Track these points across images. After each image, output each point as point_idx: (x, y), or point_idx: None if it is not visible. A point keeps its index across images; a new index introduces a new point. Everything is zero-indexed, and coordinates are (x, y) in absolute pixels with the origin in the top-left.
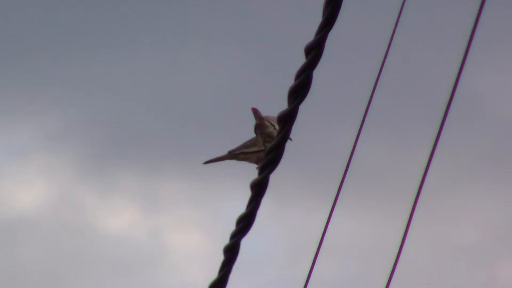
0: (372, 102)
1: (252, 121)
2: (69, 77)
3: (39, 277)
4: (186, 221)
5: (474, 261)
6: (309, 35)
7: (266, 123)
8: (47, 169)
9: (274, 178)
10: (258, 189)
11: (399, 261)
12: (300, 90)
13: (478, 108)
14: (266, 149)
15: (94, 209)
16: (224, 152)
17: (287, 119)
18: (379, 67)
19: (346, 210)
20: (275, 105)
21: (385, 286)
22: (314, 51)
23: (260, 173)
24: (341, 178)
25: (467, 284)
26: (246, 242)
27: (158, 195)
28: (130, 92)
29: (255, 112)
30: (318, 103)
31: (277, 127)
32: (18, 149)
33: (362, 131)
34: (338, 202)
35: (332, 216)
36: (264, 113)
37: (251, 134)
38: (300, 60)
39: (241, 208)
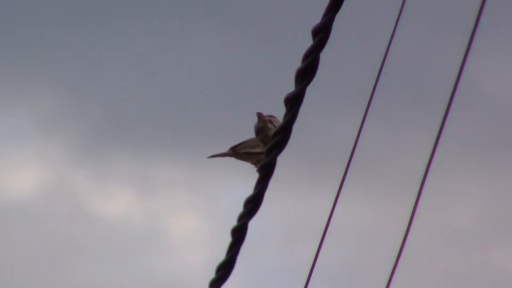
0: (378, 86)
1: (251, 117)
2: (63, 61)
3: (33, 262)
4: (182, 204)
5: (468, 244)
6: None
7: (270, 125)
8: (41, 153)
9: (279, 160)
10: (267, 170)
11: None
12: (307, 71)
13: (472, 91)
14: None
15: (89, 193)
16: (224, 146)
17: (294, 101)
18: (385, 50)
19: (350, 195)
20: (276, 90)
21: (390, 271)
22: (322, 33)
23: (267, 154)
24: (346, 163)
25: (461, 266)
26: (252, 224)
27: (153, 179)
28: (125, 75)
29: (260, 116)
30: (324, 86)
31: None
32: (11, 133)
33: (367, 115)
34: (343, 186)
35: (337, 200)
36: (265, 109)
37: (246, 119)
38: (303, 43)
39: (237, 191)
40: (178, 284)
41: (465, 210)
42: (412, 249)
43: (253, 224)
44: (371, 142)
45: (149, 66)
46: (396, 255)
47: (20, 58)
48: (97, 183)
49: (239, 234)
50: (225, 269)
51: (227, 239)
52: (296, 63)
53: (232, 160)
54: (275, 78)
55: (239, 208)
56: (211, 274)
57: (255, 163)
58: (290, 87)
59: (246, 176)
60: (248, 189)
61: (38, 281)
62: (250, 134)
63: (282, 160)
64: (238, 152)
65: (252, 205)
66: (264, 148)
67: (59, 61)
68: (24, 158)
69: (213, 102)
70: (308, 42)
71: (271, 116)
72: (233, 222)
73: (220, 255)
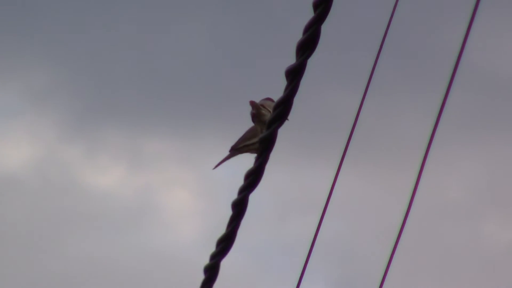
0: (379, 59)
1: (244, 89)
2: (52, 36)
3: (25, 235)
4: (175, 178)
5: (460, 218)
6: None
7: (263, 111)
8: (32, 128)
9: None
10: (267, 143)
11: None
12: (308, 44)
13: (470, 65)
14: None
15: (81, 167)
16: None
17: (295, 73)
18: (387, 23)
19: (350, 168)
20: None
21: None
22: (322, 5)
23: (268, 127)
24: (346, 137)
25: (453, 239)
26: (253, 197)
27: (145, 152)
28: (116, 49)
29: (253, 104)
30: (325, 59)
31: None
32: (2, 108)
33: (368, 90)
34: (343, 161)
35: (338, 175)
36: (261, 84)
37: (239, 95)
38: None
39: (228, 167)
40: (171, 258)
41: (456, 184)
42: (409, 223)
43: (252, 197)
44: (371, 115)
45: (141, 40)
46: (397, 232)
47: (9, 34)
48: (89, 158)
49: (239, 207)
50: (225, 243)
51: (222, 213)
52: (295, 38)
53: (220, 128)
54: (271, 54)
55: (234, 182)
56: (205, 248)
57: (256, 153)
58: (288, 63)
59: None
60: (242, 163)
61: (30, 254)
62: (243, 106)
63: (282, 133)
64: (237, 148)
65: (253, 178)
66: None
67: (49, 36)
68: (16, 133)
69: (205, 76)
70: (308, 15)
71: (267, 99)
72: (227, 196)
73: (214, 229)
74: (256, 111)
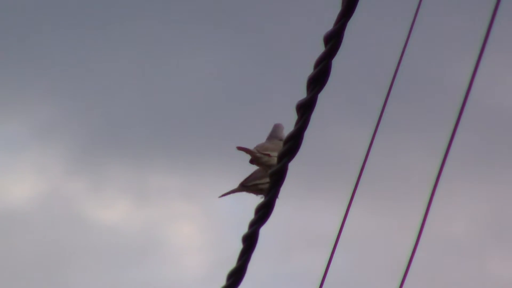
0: (389, 98)
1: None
2: (57, 70)
3: (30, 270)
4: (180, 213)
5: (465, 253)
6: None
7: (258, 155)
8: (37, 161)
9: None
10: (277, 177)
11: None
12: (319, 78)
13: (476, 103)
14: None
15: (85, 201)
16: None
17: (306, 107)
18: (398, 59)
19: (358, 205)
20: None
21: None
22: (333, 40)
23: (278, 161)
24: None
25: (458, 275)
26: (263, 231)
27: (150, 187)
28: (120, 84)
29: (242, 149)
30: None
31: (272, 154)
32: (7, 141)
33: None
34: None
35: (349, 209)
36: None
37: (250, 126)
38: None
39: (233, 202)
40: None
41: (460, 220)
42: (416, 257)
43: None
44: (379, 151)
45: (145, 75)
46: (405, 266)
47: (15, 67)
48: (93, 192)
49: (250, 240)
50: (236, 276)
51: (227, 247)
52: (307, 71)
53: (225, 164)
54: (278, 86)
55: (239, 216)
56: (212, 283)
57: (263, 194)
58: (298, 95)
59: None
60: (244, 199)
61: (34, 287)
62: (249, 139)
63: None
64: (247, 185)
65: (264, 211)
66: None
67: (55, 70)
68: (21, 167)
69: (211, 110)
70: (319, 49)
71: (276, 125)
72: (232, 229)
73: (220, 263)
74: (251, 155)
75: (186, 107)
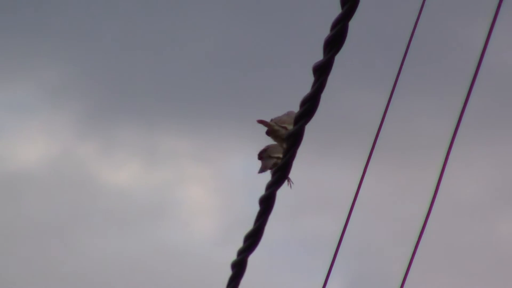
0: (405, 62)
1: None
2: (69, 36)
3: (42, 231)
4: (190, 174)
5: (474, 217)
6: None
7: (276, 128)
8: (48, 124)
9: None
10: (294, 140)
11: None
12: (335, 40)
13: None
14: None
15: (96, 163)
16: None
17: (323, 69)
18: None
19: (372, 169)
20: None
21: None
22: (351, 1)
23: (295, 124)
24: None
25: (467, 238)
26: (280, 193)
27: (160, 149)
28: (130, 47)
29: (262, 123)
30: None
31: (289, 127)
32: (18, 105)
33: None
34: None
35: (364, 175)
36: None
37: (256, 90)
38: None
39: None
40: (186, 253)
41: (470, 184)
42: (429, 221)
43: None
44: (394, 115)
45: (157, 38)
46: (420, 228)
47: (26, 33)
48: (104, 154)
49: (267, 203)
50: (253, 238)
51: (238, 210)
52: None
53: (235, 127)
54: (295, 49)
55: (249, 179)
56: (222, 244)
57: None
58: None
59: (255, 148)
60: (259, 163)
61: (46, 250)
62: (259, 105)
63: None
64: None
65: (280, 174)
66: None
67: (66, 36)
68: (32, 130)
69: (223, 74)
70: (336, 11)
71: (289, 113)
72: (242, 193)
73: (230, 225)
74: (269, 128)
75: (197, 71)
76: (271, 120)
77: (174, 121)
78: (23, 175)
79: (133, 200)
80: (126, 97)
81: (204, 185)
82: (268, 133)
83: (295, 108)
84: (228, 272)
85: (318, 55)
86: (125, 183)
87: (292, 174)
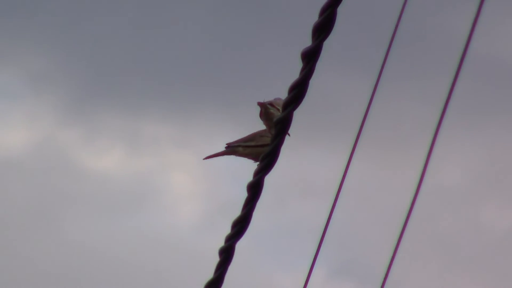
0: (391, 48)
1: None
2: (52, 20)
3: (25, 217)
4: (172, 161)
5: (460, 202)
6: None
7: (272, 110)
8: (31, 111)
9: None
10: (282, 125)
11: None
12: (324, 26)
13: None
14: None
15: (79, 150)
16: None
17: (311, 55)
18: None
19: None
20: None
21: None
22: None
23: (283, 110)
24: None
25: (453, 224)
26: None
27: (143, 135)
28: (114, 34)
29: (261, 105)
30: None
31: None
32: (1, 92)
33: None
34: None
35: (350, 161)
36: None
37: (243, 76)
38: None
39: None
40: (171, 240)
41: (453, 169)
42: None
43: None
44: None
45: (140, 24)
46: (405, 214)
47: (9, 18)
48: (87, 140)
49: (255, 189)
50: (241, 225)
51: (220, 197)
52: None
53: (217, 113)
54: (280, 37)
55: (233, 167)
56: (204, 231)
57: (254, 158)
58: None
59: (237, 133)
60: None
61: (28, 236)
62: (246, 91)
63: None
64: (232, 146)
65: (269, 160)
66: (260, 141)
67: (49, 20)
68: (15, 116)
69: (206, 59)
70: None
71: (276, 99)
72: (226, 180)
73: (214, 212)
74: (264, 110)
75: (181, 56)
76: (265, 102)
77: (158, 107)
78: (4, 161)
79: (117, 186)
80: (109, 83)
81: (189, 170)
82: (261, 115)
83: (283, 95)
84: (215, 259)
85: (307, 41)
86: (109, 169)
87: (279, 160)
